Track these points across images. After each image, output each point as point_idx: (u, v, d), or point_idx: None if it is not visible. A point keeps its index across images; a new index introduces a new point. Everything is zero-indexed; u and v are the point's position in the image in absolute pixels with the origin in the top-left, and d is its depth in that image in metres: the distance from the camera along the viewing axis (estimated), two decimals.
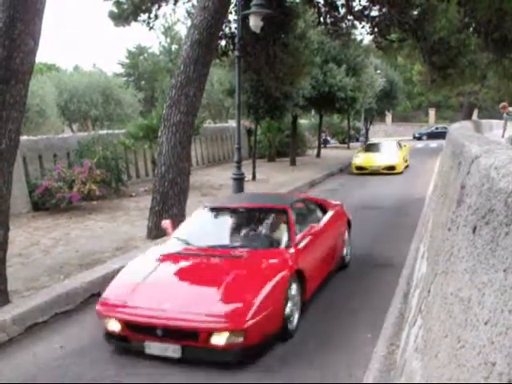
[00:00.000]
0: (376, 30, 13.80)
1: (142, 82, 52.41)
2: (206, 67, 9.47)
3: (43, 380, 4.50)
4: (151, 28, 13.85)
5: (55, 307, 5.91)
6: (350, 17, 14.30)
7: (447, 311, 1.84)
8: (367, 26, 13.96)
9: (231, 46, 14.56)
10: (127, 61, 54.00)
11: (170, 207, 9.14)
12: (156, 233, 9.03)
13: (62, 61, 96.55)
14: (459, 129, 5.42)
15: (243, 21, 12.04)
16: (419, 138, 47.13)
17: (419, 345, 2.43)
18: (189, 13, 14.21)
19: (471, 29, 11.63)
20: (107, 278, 6.78)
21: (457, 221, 2.15)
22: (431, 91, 34.11)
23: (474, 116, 43.28)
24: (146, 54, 53.92)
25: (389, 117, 53.05)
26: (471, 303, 1.54)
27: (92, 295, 6.45)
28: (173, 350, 4.58)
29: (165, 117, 9.24)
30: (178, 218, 9.29)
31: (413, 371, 2.34)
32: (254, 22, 11.53)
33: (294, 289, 5.28)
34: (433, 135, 46.41)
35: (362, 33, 36.08)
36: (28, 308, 5.61)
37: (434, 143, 38.92)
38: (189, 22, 12.42)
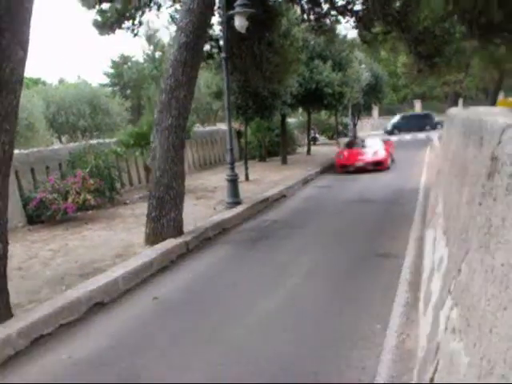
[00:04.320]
0: (360, 23, 13.82)
1: (128, 91, 52.30)
2: (195, 69, 9.43)
3: None
4: (136, 35, 13.77)
5: (59, 318, 5.85)
6: (333, 12, 14.31)
7: (499, 284, 1.81)
8: (351, 20, 13.99)
9: (216, 49, 14.54)
10: (112, 71, 53.90)
11: (167, 212, 9.08)
12: (154, 238, 8.97)
13: (47, 75, 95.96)
14: (463, 111, 5.40)
15: (227, 22, 12.02)
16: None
17: (457, 325, 2.40)
18: (172, 17, 14.14)
19: (456, 16, 11.68)
20: (109, 286, 6.77)
21: (492, 192, 2.14)
22: (416, 82, 34.27)
23: (460, 105, 43.49)
24: (129, 63, 53.83)
25: (375, 110, 53.21)
26: None
27: (96, 304, 6.40)
28: None
29: (156, 121, 9.18)
30: (175, 223, 9.26)
31: (454, 352, 2.32)
32: (239, 22, 11.52)
33: None
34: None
35: (347, 27, 36.16)
36: (32, 321, 5.54)
37: (421, 134, 39.05)
38: (171, 27, 12.42)
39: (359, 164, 18.63)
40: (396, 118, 46.03)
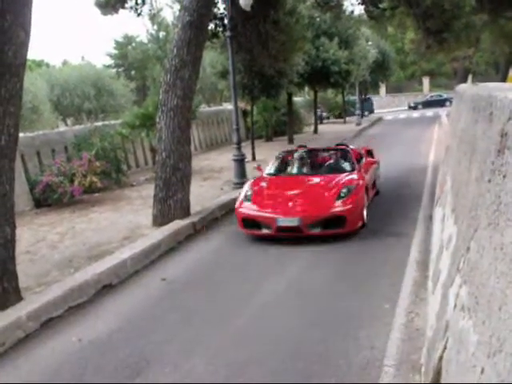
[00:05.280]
0: None
1: (133, 72, 52.05)
2: (200, 49, 9.32)
3: (65, 373, 4.47)
4: (139, 14, 13.60)
5: (69, 301, 5.87)
6: None
7: (508, 261, 1.78)
8: None
9: (221, 28, 14.36)
10: (115, 51, 53.61)
11: (173, 193, 9.06)
12: (161, 220, 8.96)
13: (50, 56, 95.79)
14: (473, 87, 5.31)
15: (231, 0, 11.86)
16: (415, 108, 46.92)
17: (466, 303, 2.38)
18: None
19: None
20: (117, 268, 6.78)
21: (502, 169, 2.10)
22: (424, 59, 33.90)
23: (469, 81, 43.04)
24: (134, 44, 53.48)
25: (382, 88, 52.75)
26: None
27: (104, 286, 6.42)
28: None
29: (162, 102, 9.11)
30: (182, 204, 9.25)
31: (463, 330, 2.30)
32: (244, 1, 11.35)
33: None
34: (428, 104, 46.26)
35: (353, 3, 35.59)
36: (41, 303, 5.56)
37: (429, 112, 38.74)
38: (175, 6, 12.24)
39: (287, 221, 7.85)
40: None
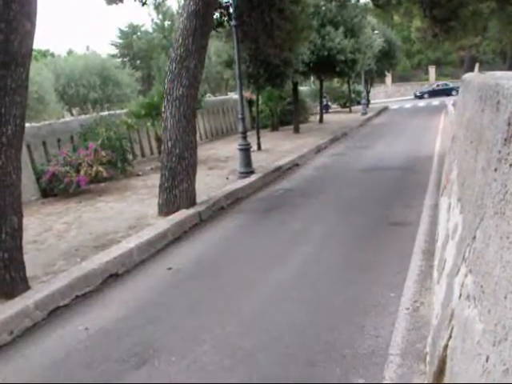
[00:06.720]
0: None
1: (138, 62, 51.94)
2: (205, 38, 9.29)
3: (73, 361, 4.52)
4: (144, 4, 13.53)
5: (75, 290, 5.91)
6: None
7: None
8: None
9: (226, 17, 14.29)
10: (120, 41, 53.45)
11: (179, 182, 9.07)
12: (167, 209, 8.99)
13: (55, 46, 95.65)
14: (479, 76, 5.27)
15: None
16: (421, 97, 46.70)
17: (471, 292, 2.39)
18: None
19: None
20: (124, 257, 6.82)
21: (509, 158, 2.09)
22: (431, 48, 33.65)
23: (476, 70, 42.75)
24: (139, 33, 53.32)
25: (389, 77, 52.42)
26: None
27: (111, 275, 6.45)
28: None
29: (167, 91, 9.10)
30: (188, 193, 9.26)
31: (469, 319, 2.31)
32: None
33: None
34: (434, 93, 46.04)
35: None
36: (49, 292, 5.60)
37: (436, 101, 38.54)
38: None
39: None
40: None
